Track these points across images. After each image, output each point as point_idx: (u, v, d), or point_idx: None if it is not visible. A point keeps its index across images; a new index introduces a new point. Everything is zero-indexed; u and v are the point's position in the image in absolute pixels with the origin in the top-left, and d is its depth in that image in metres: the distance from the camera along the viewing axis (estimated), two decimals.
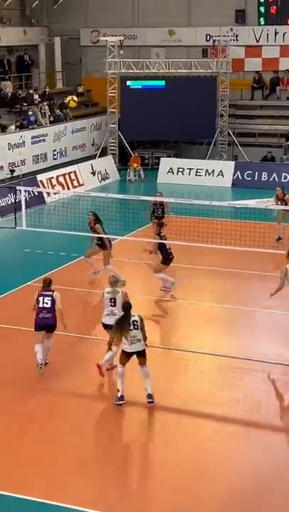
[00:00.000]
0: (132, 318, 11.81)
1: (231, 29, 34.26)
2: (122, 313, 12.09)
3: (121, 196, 22.58)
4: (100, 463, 10.51)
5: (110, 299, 12.94)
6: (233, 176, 30.45)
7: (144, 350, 11.91)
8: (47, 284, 13.13)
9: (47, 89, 33.06)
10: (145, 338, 11.92)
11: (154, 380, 12.07)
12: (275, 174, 29.70)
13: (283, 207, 20.29)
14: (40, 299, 12.90)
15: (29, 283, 17.44)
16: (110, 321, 12.66)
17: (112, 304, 12.90)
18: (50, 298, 12.90)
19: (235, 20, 34.51)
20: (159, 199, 20.13)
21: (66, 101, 15.30)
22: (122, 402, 11.86)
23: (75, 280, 17.71)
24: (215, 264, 18.28)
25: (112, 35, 33.41)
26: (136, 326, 11.78)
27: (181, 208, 20.96)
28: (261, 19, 34.09)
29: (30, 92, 31.83)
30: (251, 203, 24.51)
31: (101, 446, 11.02)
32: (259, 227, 19.21)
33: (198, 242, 18.48)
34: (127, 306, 11.98)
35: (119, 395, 11.90)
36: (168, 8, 35.01)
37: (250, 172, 30.28)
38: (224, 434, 11.36)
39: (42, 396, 12.31)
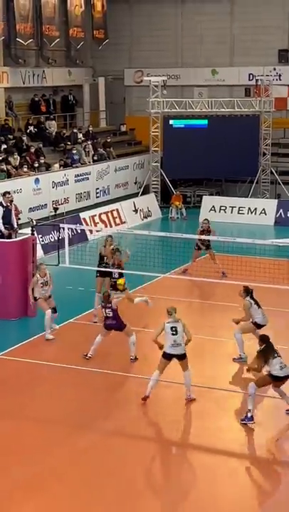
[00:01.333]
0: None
1: (274, 68, 34.45)
2: (183, 343, 12.97)
3: (163, 234, 22.59)
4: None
5: (172, 327, 13.02)
6: (276, 214, 30.30)
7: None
8: (106, 299, 14.88)
9: (90, 129, 33.49)
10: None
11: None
12: None
13: None
14: (103, 310, 14.95)
15: (71, 320, 17.43)
16: (174, 351, 12.91)
17: (174, 333, 12.98)
18: (110, 309, 14.74)
19: (278, 59, 34.70)
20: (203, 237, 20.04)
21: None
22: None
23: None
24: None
25: (156, 75, 33.85)
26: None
27: (224, 246, 20.92)
28: None
29: (75, 131, 32.29)
30: None
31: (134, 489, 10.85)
32: None
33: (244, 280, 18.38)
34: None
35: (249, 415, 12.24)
36: (211, 48, 35.35)
37: None
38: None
39: (92, 435, 12.23)
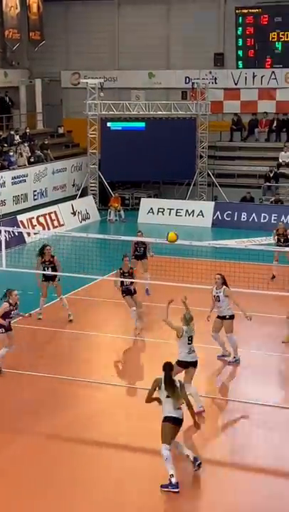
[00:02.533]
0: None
1: (210, 72, 34.85)
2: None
3: (101, 236, 22.60)
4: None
5: (188, 337, 12.72)
6: (213, 216, 30.64)
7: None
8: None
9: (27, 130, 33.23)
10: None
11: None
12: (254, 214, 29.92)
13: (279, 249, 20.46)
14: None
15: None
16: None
17: (190, 342, 12.74)
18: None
19: (214, 63, 35.12)
20: (140, 239, 20.16)
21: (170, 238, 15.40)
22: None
23: (54, 319, 17.62)
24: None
25: (93, 78, 33.86)
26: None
27: (162, 248, 21.00)
28: (239, 62, 34.70)
29: (11, 133, 31.98)
30: (231, 243, 24.62)
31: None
32: (239, 267, 19.24)
33: (180, 282, 18.51)
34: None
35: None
36: (148, 51, 35.51)
37: (230, 212, 30.48)
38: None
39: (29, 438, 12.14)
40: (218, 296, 14.88)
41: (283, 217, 29.39)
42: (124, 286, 17.12)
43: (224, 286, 14.98)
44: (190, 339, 12.75)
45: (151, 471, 11.14)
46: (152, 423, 12.59)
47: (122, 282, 17.03)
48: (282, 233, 21.49)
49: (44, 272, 17.67)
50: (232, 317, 15.01)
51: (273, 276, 20.98)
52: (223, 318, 15.03)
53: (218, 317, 15.09)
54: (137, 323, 16.97)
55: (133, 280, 17.15)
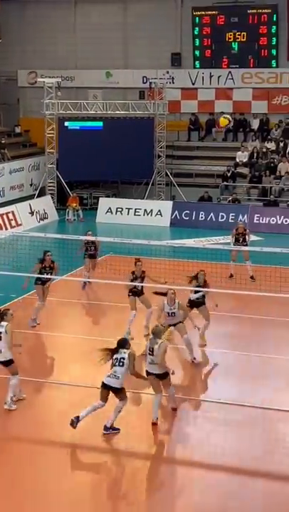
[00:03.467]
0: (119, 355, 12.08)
1: (167, 72, 34.96)
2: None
3: (59, 236, 22.49)
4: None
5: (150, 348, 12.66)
6: (172, 215, 30.73)
7: (118, 389, 12.08)
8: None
9: None
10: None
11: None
12: (212, 214, 30.09)
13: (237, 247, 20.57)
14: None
15: None
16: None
17: (150, 353, 12.59)
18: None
19: (171, 63, 35.24)
20: (90, 238, 20.04)
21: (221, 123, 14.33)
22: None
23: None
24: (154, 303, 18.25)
25: (50, 77, 33.69)
26: (121, 363, 12.03)
27: (120, 248, 21.03)
28: (196, 62, 34.89)
29: None
30: (189, 242, 24.72)
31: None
32: (197, 266, 19.31)
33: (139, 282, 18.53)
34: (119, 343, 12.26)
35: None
36: (105, 50, 35.48)
37: (188, 212, 30.62)
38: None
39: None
40: (173, 313, 14.74)
41: (240, 216, 29.59)
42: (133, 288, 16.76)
43: (177, 301, 14.84)
44: (151, 350, 12.64)
45: (110, 469, 11.14)
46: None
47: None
48: (241, 232, 21.55)
49: (40, 276, 17.34)
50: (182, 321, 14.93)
51: (231, 275, 21.13)
52: (174, 325, 14.86)
53: (170, 325, 14.88)
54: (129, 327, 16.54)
55: (144, 284, 16.79)
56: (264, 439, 12.17)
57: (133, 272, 17.03)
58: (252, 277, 20.70)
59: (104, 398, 12.12)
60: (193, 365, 14.91)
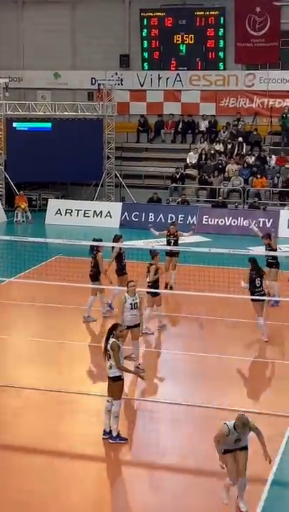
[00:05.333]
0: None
1: (116, 73, 35.00)
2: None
3: (8, 238, 22.32)
4: None
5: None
6: (121, 216, 30.76)
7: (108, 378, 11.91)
8: None
9: None
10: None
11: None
12: (161, 215, 30.19)
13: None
14: None
15: None
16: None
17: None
18: None
19: (120, 64, 35.28)
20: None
21: None
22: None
23: None
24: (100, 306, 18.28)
25: None
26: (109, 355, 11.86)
27: (70, 249, 20.98)
28: (145, 64, 35.01)
29: None
30: (139, 243, 24.76)
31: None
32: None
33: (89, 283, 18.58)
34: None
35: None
36: (53, 51, 35.34)
37: (138, 213, 30.68)
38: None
39: None
40: (135, 304, 14.67)
41: (189, 218, 29.84)
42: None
43: (137, 294, 14.77)
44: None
45: (62, 471, 11.10)
46: (66, 425, 12.61)
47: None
48: (173, 233, 21.02)
49: None
50: (139, 325, 14.86)
51: (168, 286, 20.72)
52: (132, 327, 14.73)
53: (128, 327, 14.70)
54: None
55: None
56: (210, 439, 12.26)
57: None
58: (171, 287, 19.81)
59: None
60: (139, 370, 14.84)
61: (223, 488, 10.07)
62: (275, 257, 18.80)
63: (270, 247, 18.85)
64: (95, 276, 17.89)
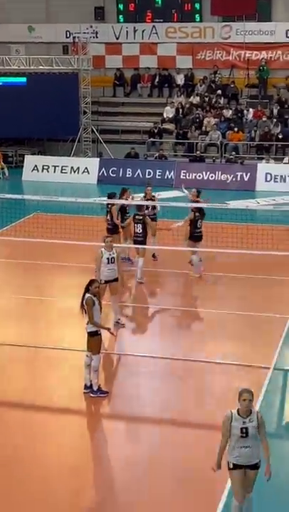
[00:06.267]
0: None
1: (91, 26, 34.40)
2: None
3: None
4: None
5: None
6: (99, 172, 30.59)
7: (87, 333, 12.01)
8: None
9: None
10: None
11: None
12: (139, 170, 30.10)
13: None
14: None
15: None
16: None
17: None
18: None
19: (94, 17, 34.69)
20: None
21: None
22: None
23: None
24: (83, 261, 18.25)
25: None
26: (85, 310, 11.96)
27: (48, 206, 20.88)
28: (120, 16, 34.45)
29: None
30: (116, 199, 24.64)
31: None
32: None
33: (67, 239, 18.57)
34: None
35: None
36: (27, 5, 34.61)
37: (115, 169, 30.52)
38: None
39: None
40: (112, 258, 14.67)
41: (167, 173, 29.77)
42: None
43: (114, 249, 14.75)
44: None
45: (44, 426, 11.22)
46: (47, 380, 12.70)
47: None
48: (149, 198, 20.81)
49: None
50: (117, 279, 14.87)
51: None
52: (110, 281, 14.74)
53: (106, 282, 14.73)
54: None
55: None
56: (193, 391, 12.43)
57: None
58: (153, 255, 19.20)
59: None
60: (119, 325, 14.91)
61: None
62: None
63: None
64: (113, 229, 18.01)
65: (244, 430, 8.16)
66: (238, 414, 8.22)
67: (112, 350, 13.95)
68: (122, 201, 18.59)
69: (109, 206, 18.37)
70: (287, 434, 11.15)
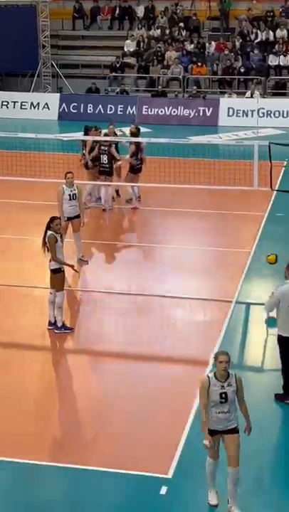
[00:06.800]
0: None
1: None
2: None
3: None
4: None
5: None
6: (59, 108, 30.11)
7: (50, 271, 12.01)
8: None
9: None
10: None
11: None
12: (100, 106, 29.68)
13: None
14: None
15: None
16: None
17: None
18: None
19: None
20: None
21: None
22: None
23: None
24: (45, 199, 18.09)
25: None
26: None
27: (7, 143, 20.55)
28: None
29: None
30: (78, 135, 24.36)
31: None
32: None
33: (29, 177, 18.37)
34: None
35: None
36: None
37: (76, 104, 30.06)
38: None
39: None
40: (74, 195, 14.52)
41: (129, 108, 29.41)
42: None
43: (75, 185, 14.62)
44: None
45: (9, 363, 11.28)
46: (11, 317, 12.72)
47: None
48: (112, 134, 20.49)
49: None
50: (79, 216, 14.78)
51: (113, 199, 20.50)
52: (72, 218, 14.63)
53: (69, 219, 14.62)
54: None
55: None
56: (156, 326, 12.56)
57: None
58: (116, 191, 19.00)
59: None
60: (82, 262, 14.90)
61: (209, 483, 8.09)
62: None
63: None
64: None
65: (223, 395, 7.68)
66: (216, 378, 7.70)
67: (75, 286, 13.99)
68: (89, 137, 18.37)
69: (85, 142, 18.32)
70: (248, 367, 11.35)
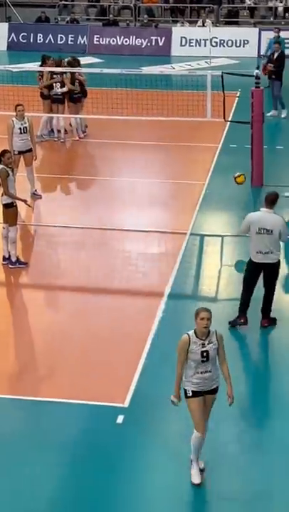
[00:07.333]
0: None
1: None
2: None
3: None
4: None
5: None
6: (8, 38, 29.29)
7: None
8: None
9: None
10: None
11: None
12: (50, 36, 28.99)
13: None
14: None
15: None
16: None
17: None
18: None
19: None
20: None
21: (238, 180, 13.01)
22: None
23: None
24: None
25: None
26: None
27: None
28: None
29: None
30: (28, 66, 23.79)
31: None
32: (38, 91, 18.73)
33: None
34: None
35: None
36: None
37: (26, 34, 29.31)
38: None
39: None
40: (24, 128, 14.24)
41: (80, 38, 28.79)
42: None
43: (26, 117, 14.32)
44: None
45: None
46: None
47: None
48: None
49: None
50: (31, 149, 14.52)
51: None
52: (24, 152, 14.45)
53: (20, 152, 14.40)
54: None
55: None
56: (110, 259, 12.57)
57: None
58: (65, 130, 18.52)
59: None
60: (35, 196, 14.76)
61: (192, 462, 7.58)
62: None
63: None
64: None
65: (205, 354, 7.25)
66: (196, 336, 7.27)
67: (29, 221, 13.88)
68: (41, 68, 18.41)
69: (41, 73, 18.25)
70: (203, 297, 11.47)
